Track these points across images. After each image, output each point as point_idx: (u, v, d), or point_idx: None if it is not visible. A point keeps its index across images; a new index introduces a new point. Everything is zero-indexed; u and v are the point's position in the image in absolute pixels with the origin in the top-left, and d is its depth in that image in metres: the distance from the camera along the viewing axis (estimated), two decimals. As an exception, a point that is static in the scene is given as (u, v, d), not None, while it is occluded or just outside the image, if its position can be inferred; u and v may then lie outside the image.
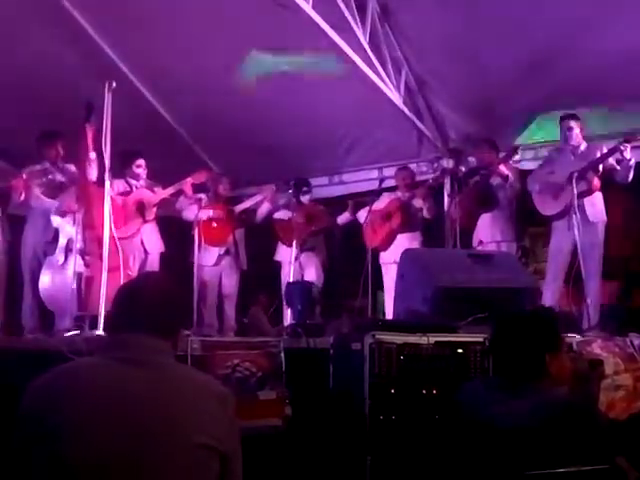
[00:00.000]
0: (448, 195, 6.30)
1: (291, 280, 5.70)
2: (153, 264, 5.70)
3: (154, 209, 5.62)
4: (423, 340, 3.15)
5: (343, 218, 6.28)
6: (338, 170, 7.17)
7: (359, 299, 5.42)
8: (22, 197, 5.18)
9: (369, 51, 5.50)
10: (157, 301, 1.78)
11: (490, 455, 2.04)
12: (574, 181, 4.71)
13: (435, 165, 6.62)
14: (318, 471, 3.32)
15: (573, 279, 4.82)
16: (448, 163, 6.55)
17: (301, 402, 3.49)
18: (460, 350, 3.16)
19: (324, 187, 7.18)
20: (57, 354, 2.85)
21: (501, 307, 3.22)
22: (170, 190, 5.68)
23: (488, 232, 5.53)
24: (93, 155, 4.48)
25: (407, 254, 4.17)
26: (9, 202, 5.33)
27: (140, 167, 5.65)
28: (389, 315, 5.56)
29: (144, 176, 5.70)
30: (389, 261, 5.90)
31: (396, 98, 5.96)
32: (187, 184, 5.68)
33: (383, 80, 5.75)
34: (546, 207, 5.13)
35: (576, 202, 4.68)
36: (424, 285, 3.66)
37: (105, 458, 1.57)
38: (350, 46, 5.28)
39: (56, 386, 1.66)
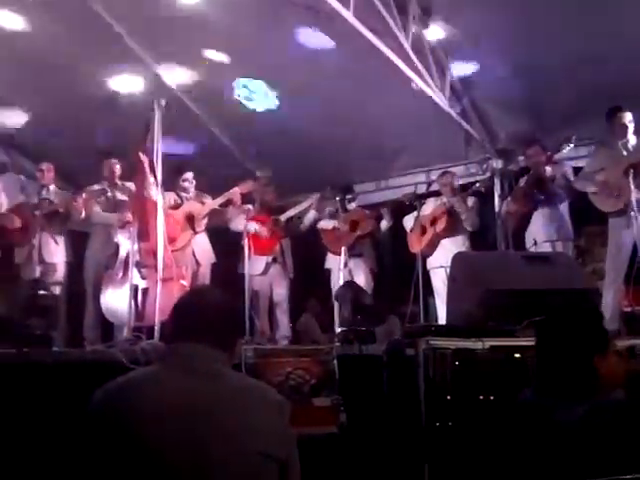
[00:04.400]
0: (499, 196, 6.21)
1: (341, 286, 5.69)
2: (205, 275, 5.78)
3: (204, 220, 5.71)
4: (478, 345, 3.11)
5: (383, 224, 6.25)
6: (384, 175, 7.14)
7: (410, 304, 5.37)
8: (83, 215, 5.39)
9: (412, 54, 5.47)
10: (215, 313, 1.84)
11: (552, 462, 1.99)
12: (631, 176, 4.56)
13: (484, 166, 6.53)
14: (375, 479, 3.30)
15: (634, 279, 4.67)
16: (497, 164, 6.46)
17: (355, 409, 3.48)
18: (517, 355, 3.10)
19: (371, 193, 7.17)
20: (117, 364, 2.93)
21: (559, 309, 3.15)
22: (219, 200, 5.75)
23: (543, 231, 5.40)
24: (152, 179, 4.60)
25: (458, 257, 4.12)
26: (70, 220, 5.52)
27: (186, 181, 5.76)
28: (441, 320, 5.51)
29: (192, 188, 5.80)
30: (436, 266, 5.85)
31: (441, 100, 5.92)
32: (235, 194, 5.74)
33: (427, 83, 5.71)
34: (604, 204, 4.98)
35: (634, 198, 4.53)
36: (477, 288, 3.60)
37: (167, 465, 1.61)
38: (392, 50, 5.27)
39: (120, 396, 1.71)
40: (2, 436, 2.92)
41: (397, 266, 6.75)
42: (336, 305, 5.76)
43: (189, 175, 5.77)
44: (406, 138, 6.57)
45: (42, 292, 4.41)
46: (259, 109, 6.34)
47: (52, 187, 5.74)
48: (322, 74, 5.85)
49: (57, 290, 5.37)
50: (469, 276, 3.75)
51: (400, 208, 6.17)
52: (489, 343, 3.12)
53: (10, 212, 5.45)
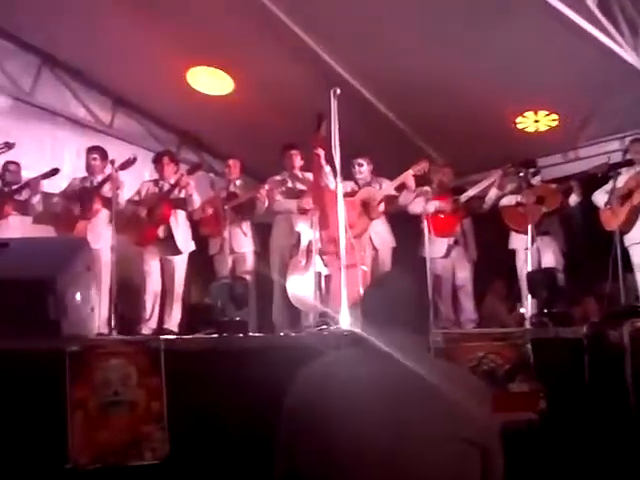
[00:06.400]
0: None
1: (529, 267, 5.42)
2: (384, 260, 5.80)
3: (380, 206, 5.72)
4: (696, 327, 2.80)
5: (572, 199, 5.82)
6: (572, 145, 6.69)
7: (609, 283, 4.97)
8: (266, 205, 5.66)
9: (598, 14, 5.07)
10: (407, 298, 1.82)
11: None
12: None
13: (689, 130, 5.86)
14: (578, 467, 3.13)
15: None
16: None
17: (553, 395, 3.31)
18: None
19: (557, 166, 6.76)
20: (310, 349, 3.01)
21: None
22: (393, 185, 5.74)
23: None
24: (328, 169, 4.69)
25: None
26: (255, 211, 5.84)
27: (354, 166, 5.79)
28: (644, 301, 5.07)
29: (367, 174, 5.83)
30: (636, 241, 5.36)
31: (634, 60, 5.42)
32: (408, 176, 5.69)
33: (617, 42, 5.27)
34: None
35: None
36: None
37: (367, 450, 1.61)
38: (577, 12, 4.90)
39: (321, 379, 1.74)
40: (207, 416, 3.12)
41: (589, 243, 6.31)
42: (523, 287, 5.52)
43: (360, 160, 5.80)
44: (595, 103, 6.09)
45: (236, 281, 4.67)
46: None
47: (238, 181, 6.09)
48: (495, 41, 5.58)
49: (248, 278, 5.69)
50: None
51: (592, 181, 5.72)
52: None
53: (203, 207, 5.85)
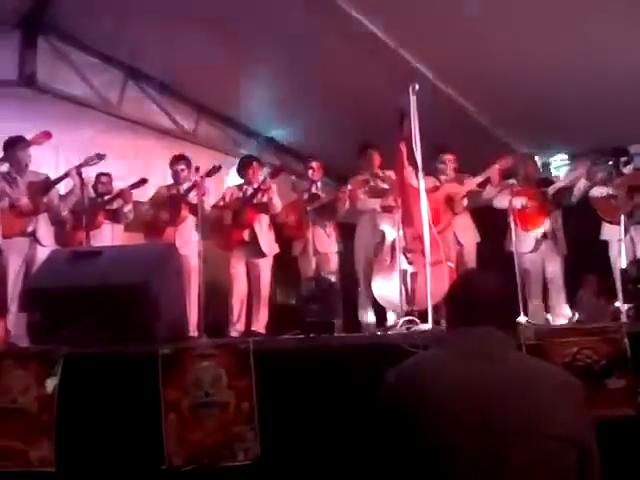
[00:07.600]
0: None
1: (623, 259, 5.18)
2: (470, 255, 5.70)
3: (463, 201, 5.64)
4: None
5: None
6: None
7: None
8: (347, 205, 5.68)
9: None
10: (499, 296, 1.80)
11: None
12: None
13: None
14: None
15: None
16: None
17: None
18: None
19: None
20: (397, 348, 2.99)
21: None
22: (477, 180, 5.64)
23: None
24: (410, 169, 4.66)
25: None
26: (336, 212, 5.88)
27: (443, 163, 5.73)
28: None
29: (450, 170, 5.74)
30: None
31: None
32: (494, 171, 5.57)
33: None
34: None
35: None
36: None
37: (462, 444, 1.59)
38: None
39: (413, 378, 1.73)
40: (296, 416, 3.14)
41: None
42: (618, 280, 5.28)
43: (447, 156, 5.73)
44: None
45: (322, 281, 4.69)
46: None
47: (319, 183, 6.13)
48: (578, 27, 5.36)
49: (332, 279, 5.71)
50: None
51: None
52: None
53: (285, 209, 5.92)
